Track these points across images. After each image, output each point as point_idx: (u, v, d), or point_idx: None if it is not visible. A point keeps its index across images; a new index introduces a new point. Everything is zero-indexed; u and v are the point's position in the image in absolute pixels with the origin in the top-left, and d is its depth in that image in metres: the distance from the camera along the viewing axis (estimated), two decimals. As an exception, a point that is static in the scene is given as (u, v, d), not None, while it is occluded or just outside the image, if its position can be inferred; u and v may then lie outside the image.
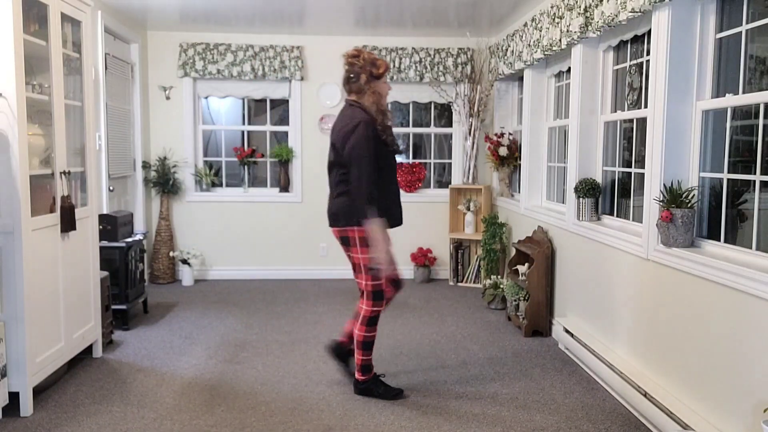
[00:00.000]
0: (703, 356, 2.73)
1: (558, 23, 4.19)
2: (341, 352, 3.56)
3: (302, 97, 6.37)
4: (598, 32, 3.63)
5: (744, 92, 2.69)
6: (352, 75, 3.27)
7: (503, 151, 5.75)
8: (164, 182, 6.16)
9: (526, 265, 4.74)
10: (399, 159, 6.66)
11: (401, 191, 6.57)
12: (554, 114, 5.00)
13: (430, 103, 6.56)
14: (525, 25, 4.95)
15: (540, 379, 3.65)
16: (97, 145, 4.95)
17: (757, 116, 2.60)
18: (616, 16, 3.33)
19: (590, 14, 3.69)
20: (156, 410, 3.18)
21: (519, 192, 5.58)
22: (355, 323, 3.34)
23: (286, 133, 6.51)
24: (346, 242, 3.29)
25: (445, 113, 6.64)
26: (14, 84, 2.94)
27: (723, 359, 2.59)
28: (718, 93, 2.89)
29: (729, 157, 2.80)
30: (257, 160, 6.55)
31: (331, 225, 3.35)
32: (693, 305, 2.80)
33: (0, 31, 2.91)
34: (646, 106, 3.43)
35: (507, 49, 5.50)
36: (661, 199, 3.00)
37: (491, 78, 6.12)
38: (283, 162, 6.40)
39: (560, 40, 4.16)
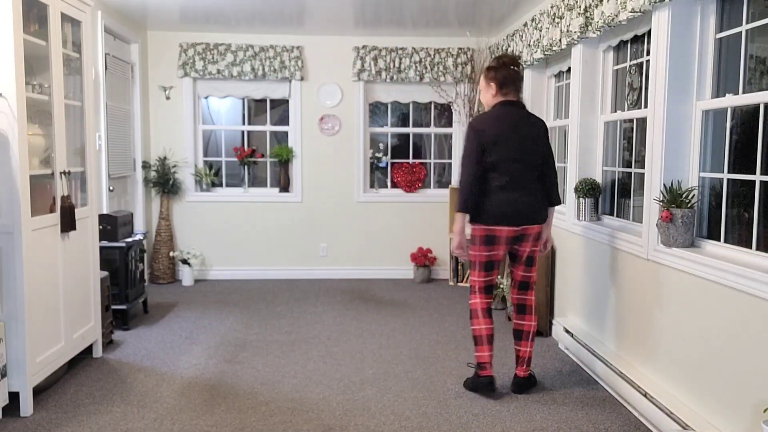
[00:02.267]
0: (703, 356, 2.73)
1: (558, 23, 4.19)
2: (526, 383, 3.50)
3: (302, 97, 6.37)
4: (598, 32, 3.63)
5: (744, 92, 2.69)
6: (521, 77, 3.47)
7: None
8: (164, 182, 6.16)
9: (526, 265, 4.74)
10: (400, 159, 6.67)
11: (405, 191, 6.58)
12: (554, 114, 5.00)
13: (430, 103, 6.56)
14: (525, 25, 4.95)
15: (540, 379, 3.65)
16: (97, 145, 4.95)
17: (757, 116, 2.60)
18: (616, 16, 3.33)
19: (590, 14, 3.69)
20: (156, 410, 3.18)
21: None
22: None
23: (286, 133, 6.51)
24: (527, 238, 3.38)
25: (445, 113, 6.64)
26: (14, 84, 2.94)
27: (723, 359, 2.59)
28: (718, 93, 2.89)
29: (729, 157, 2.80)
30: (257, 160, 6.55)
31: (531, 223, 3.35)
32: (693, 305, 2.80)
33: (0, 31, 2.91)
34: (646, 106, 3.43)
35: (507, 49, 5.50)
36: (661, 199, 3.00)
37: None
38: (283, 162, 6.41)
39: (560, 40, 4.16)
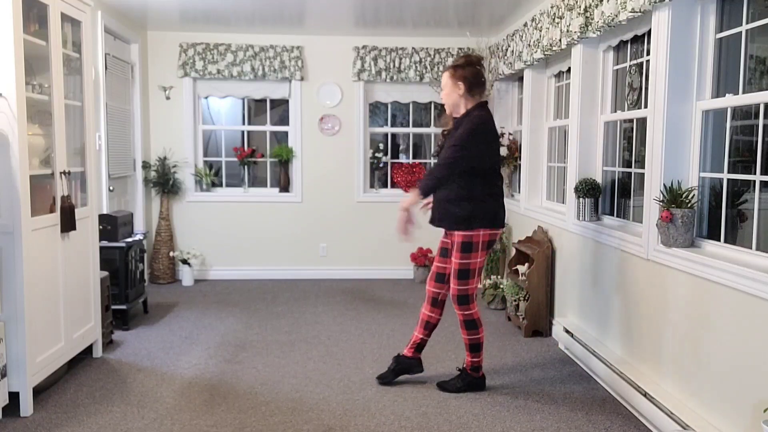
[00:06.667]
0: (703, 356, 2.73)
1: (558, 23, 4.19)
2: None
3: (302, 97, 6.37)
4: (598, 32, 3.63)
5: (744, 92, 2.69)
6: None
7: (503, 151, 5.75)
8: (164, 182, 6.16)
9: (526, 265, 4.74)
10: (400, 159, 6.67)
11: (404, 191, 6.59)
12: (554, 114, 5.00)
13: (430, 103, 6.56)
14: (525, 25, 4.95)
15: (540, 379, 3.65)
16: (97, 145, 4.95)
17: (757, 116, 2.60)
18: (616, 16, 3.33)
19: (590, 14, 3.69)
20: (156, 410, 3.18)
21: (519, 192, 5.58)
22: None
23: (286, 133, 6.51)
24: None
25: (445, 113, 6.63)
26: (14, 84, 2.94)
27: (723, 359, 2.59)
28: (718, 93, 2.89)
29: (729, 157, 2.80)
30: (257, 160, 6.55)
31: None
32: (693, 305, 2.80)
33: (0, 31, 2.91)
34: (646, 106, 3.43)
35: (507, 49, 5.50)
36: (661, 199, 3.00)
37: (491, 78, 6.12)
38: (283, 162, 6.41)
39: (560, 40, 4.16)
